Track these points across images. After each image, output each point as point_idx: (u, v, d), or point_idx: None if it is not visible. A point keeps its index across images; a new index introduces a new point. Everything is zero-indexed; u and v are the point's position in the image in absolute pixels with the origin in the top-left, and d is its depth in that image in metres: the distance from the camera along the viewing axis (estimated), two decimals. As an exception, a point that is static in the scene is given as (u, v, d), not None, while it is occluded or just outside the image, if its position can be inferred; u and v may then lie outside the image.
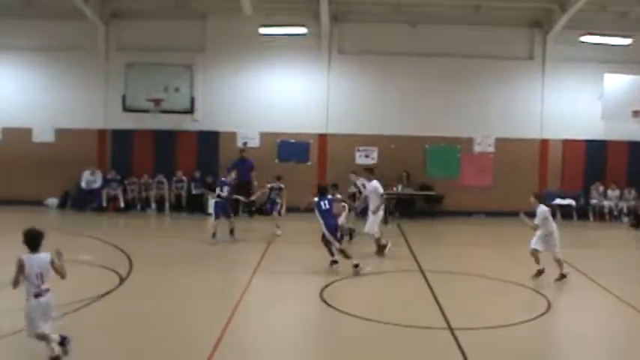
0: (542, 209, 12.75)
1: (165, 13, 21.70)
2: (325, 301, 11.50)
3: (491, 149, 22.04)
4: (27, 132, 22.14)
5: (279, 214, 17.53)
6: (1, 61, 22.09)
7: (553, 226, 12.84)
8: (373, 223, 15.15)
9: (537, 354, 9.26)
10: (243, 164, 20.34)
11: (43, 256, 8.16)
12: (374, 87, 21.86)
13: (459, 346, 9.19)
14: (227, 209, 16.80)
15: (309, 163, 21.71)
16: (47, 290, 8.15)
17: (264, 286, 12.57)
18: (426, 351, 9.31)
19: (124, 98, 21.49)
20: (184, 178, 21.58)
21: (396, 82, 21.72)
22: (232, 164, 19.88)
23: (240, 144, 21.59)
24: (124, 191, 21.60)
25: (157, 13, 21.75)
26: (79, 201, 21.62)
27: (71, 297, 10.95)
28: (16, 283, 8.08)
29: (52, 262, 8.18)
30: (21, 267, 7.98)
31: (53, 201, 21.83)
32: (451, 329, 9.93)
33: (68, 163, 21.54)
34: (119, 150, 22.22)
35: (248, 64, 21.75)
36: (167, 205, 21.61)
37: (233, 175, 17.26)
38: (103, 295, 11.45)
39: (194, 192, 21.45)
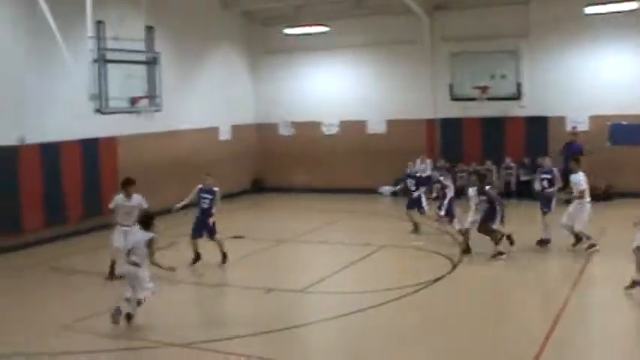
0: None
1: (486, 1, 21.89)
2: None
3: None
4: (361, 124, 23.77)
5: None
6: (338, 58, 23.84)
7: None
8: (584, 219, 13.95)
9: None
10: (571, 148, 20.11)
11: (142, 234, 9.88)
12: None
13: None
14: (412, 203, 16.92)
15: (645, 146, 20.84)
16: (134, 264, 9.78)
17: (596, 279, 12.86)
18: None
19: (450, 87, 22.03)
20: (513, 164, 21.81)
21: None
22: (562, 148, 19.95)
23: (569, 128, 21.34)
24: (454, 179, 22.26)
25: (479, 2, 22.02)
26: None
27: (405, 280, 12.22)
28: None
29: (148, 242, 9.76)
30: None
31: (387, 189, 23.16)
32: None
33: (399, 153, 22.65)
34: (448, 138, 22.98)
35: (573, 46, 21.26)
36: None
37: (419, 163, 17.73)
38: (435, 280, 12.38)
39: (522, 178, 21.61)
